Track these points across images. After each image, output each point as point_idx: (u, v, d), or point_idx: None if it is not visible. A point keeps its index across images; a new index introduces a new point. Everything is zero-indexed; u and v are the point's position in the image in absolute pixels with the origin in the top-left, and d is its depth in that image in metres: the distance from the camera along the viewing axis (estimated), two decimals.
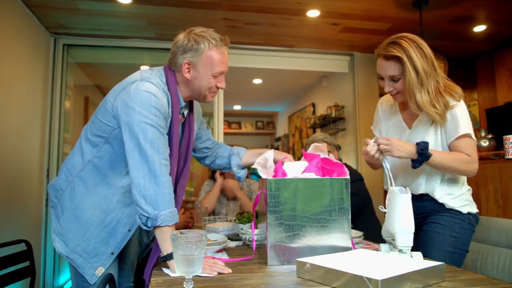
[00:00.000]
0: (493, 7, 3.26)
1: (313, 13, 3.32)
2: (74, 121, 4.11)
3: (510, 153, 2.58)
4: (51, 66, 3.67)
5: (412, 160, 1.52)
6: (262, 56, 4.23)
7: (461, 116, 1.56)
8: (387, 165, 1.51)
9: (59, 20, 3.39)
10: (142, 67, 3.26)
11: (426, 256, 1.39)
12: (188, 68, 1.46)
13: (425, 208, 1.65)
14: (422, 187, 1.65)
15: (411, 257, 1.29)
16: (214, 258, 1.38)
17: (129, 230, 1.52)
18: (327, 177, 1.47)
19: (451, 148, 1.59)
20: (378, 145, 1.50)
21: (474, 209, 1.65)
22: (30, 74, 3.25)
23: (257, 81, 5.71)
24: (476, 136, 3.81)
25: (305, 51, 4.29)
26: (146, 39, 3.77)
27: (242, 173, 1.82)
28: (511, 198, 2.55)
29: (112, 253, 1.49)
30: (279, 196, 1.39)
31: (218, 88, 1.52)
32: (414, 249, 1.35)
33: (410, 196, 1.33)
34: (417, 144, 1.50)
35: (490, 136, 3.41)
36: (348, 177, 1.45)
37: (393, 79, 1.57)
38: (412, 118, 1.68)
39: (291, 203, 1.39)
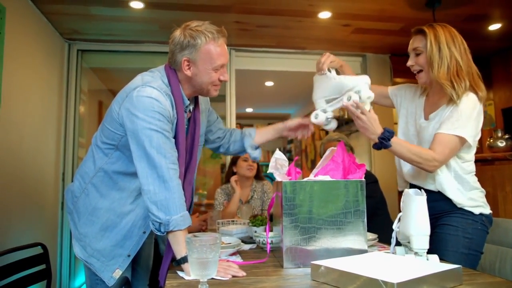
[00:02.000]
0: (509, 4, 3.20)
1: (324, 14, 3.31)
2: (89, 125, 4.16)
3: None
4: (66, 71, 3.73)
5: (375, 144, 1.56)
6: (274, 58, 4.23)
7: (467, 115, 1.53)
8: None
9: (73, 26, 3.45)
10: None
11: (440, 259, 1.37)
12: (188, 65, 1.45)
13: (436, 209, 1.60)
14: (432, 183, 1.62)
15: (427, 259, 1.27)
16: (228, 261, 1.38)
17: (144, 232, 1.53)
18: (342, 179, 1.46)
19: (434, 136, 1.57)
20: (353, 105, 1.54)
21: (487, 210, 1.62)
22: (45, 79, 3.31)
23: (269, 83, 5.70)
24: (492, 136, 3.75)
25: (317, 53, 4.27)
26: (158, 43, 3.80)
27: (257, 152, 1.85)
28: None
29: (129, 255, 1.51)
30: (295, 198, 1.38)
31: (221, 81, 1.50)
32: (428, 251, 1.33)
33: (425, 198, 1.31)
34: (384, 129, 1.52)
35: (506, 136, 3.35)
36: (363, 179, 1.44)
37: (416, 51, 1.63)
38: (432, 109, 1.67)
39: (307, 206, 1.38)
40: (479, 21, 3.49)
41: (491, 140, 3.42)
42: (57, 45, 3.57)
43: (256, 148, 1.85)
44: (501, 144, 3.30)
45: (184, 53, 1.43)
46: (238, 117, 4.42)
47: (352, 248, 1.39)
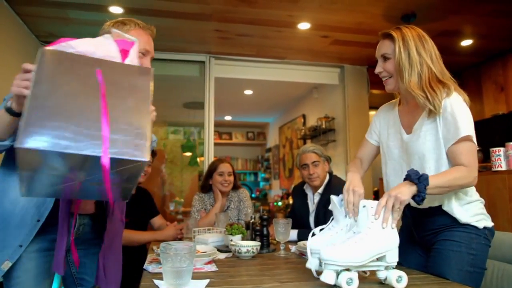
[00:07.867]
0: (480, 22, 3.33)
1: (304, 25, 3.36)
2: None
3: (497, 166, 2.62)
4: None
5: (414, 197, 1.30)
6: (253, 67, 4.26)
7: (460, 114, 1.40)
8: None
9: (49, 29, 3.39)
10: None
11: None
12: None
13: (436, 223, 1.49)
14: (435, 201, 1.48)
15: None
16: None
17: (38, 221, 1.41)
18: None
19: (449, 154, 1.41)
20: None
21: (489, 222, 1.49)
22: None
23: (248, 92, 5.73)
24: None
25: (295, 63, 4.33)
26: None
27: None
28: (498, 210, 2.58)
29: (20, 246, 1.39)
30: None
31: None
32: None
33: None
34: (407, 176, 1.31)
35: (477, 148, 3.46)
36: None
37: (384, 56, 1.54)
38: (411, 122, 1.54)
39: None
40: (452, 37, 3.61)
41: None
42: (32, 48, 3.49)
43: None
44: None
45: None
46: (217, 124, 4.41)
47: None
